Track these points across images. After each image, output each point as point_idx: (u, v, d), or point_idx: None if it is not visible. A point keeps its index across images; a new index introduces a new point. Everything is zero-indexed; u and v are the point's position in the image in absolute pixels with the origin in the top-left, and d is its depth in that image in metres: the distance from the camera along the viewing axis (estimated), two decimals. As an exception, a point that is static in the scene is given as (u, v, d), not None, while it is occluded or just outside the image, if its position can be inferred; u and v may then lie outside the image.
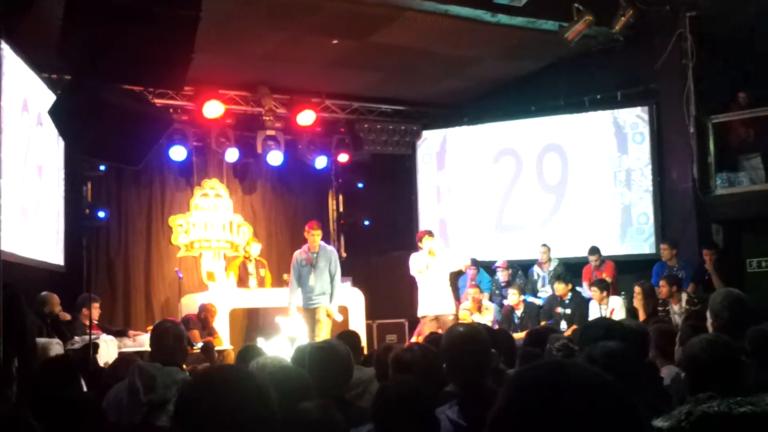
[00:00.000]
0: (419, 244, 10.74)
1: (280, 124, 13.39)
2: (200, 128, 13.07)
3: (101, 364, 8.81)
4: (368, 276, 13.50)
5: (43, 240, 10.39)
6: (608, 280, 11.26)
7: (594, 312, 10.71)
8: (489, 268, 12.83)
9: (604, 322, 4.51)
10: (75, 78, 6.73)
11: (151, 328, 7.77)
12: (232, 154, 13.26)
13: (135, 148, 6.81)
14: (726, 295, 4.62)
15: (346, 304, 11.92)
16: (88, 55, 6.35)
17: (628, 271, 11.98)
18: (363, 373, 5.02)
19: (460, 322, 10.33)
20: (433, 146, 14.41)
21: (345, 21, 10.77)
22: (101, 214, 12.32)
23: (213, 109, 12.60)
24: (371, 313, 12.83)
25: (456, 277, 12.94)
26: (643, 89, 12.49)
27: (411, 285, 14.05)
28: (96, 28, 6.25)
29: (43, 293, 9.83)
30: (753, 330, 4.28)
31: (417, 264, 10.70)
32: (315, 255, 10.62)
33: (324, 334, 10.21)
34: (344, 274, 12.84)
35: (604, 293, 10.73)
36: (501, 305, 12.07)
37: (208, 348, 9.97)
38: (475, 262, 12.71)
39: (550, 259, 12.26)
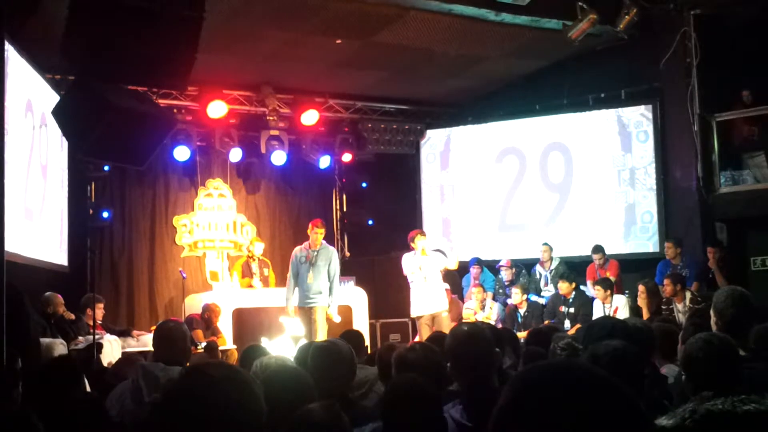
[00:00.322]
0: (411, 244, 10.65)
1: (283, 124, 13.39)
2: (204, 128, 13.08)
3: (105, 364, 8.84)
4: (372, 275, 13.49)
5: (47, 240, 10.40)
6: (612, 278, 11.24)
7: (598, 311, 10.71)
8: (493, 267, 12.83)
9: (608, 321, 4.50)
10: (79, 79, 6.75)
11: (154, 328, 7.79)
12: (235, 154, 13.27)
13: (139, 148, 6.82)
14: (730, 293, 4.61)
15: (350, 303, 11.93)
16: (92, 56, 6.36)
17: (632, 270, 11.97)
18: (367, 373, 5.02)
19: (463, 321, 10.33)
20: (437, 146, 14.41)
21: (348, 21, 10.76)
22: (105, 215, 12.35)
23: (217, 109, 12.61)
24: (375, 313, 12.83)
25: (459, 276, 12.96)
26: (647, 88, 12.47)
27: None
28: (100, 29, 6.26)
29: (47, 293, 9.85)
30: (757, 328, 4.28)
31: (409, 265, 10.64)
32: (315, 253, 10.52)
33: (321, 335, 10.15)
34: (347, 273, 12.87)
35: (608, 292, 10.72)
36: (504, 304, 12.07)
37: (211, 348, 9.99)
38: (479, 262, 12.71)
39: (551, 258, 12.25)
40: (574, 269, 12.06)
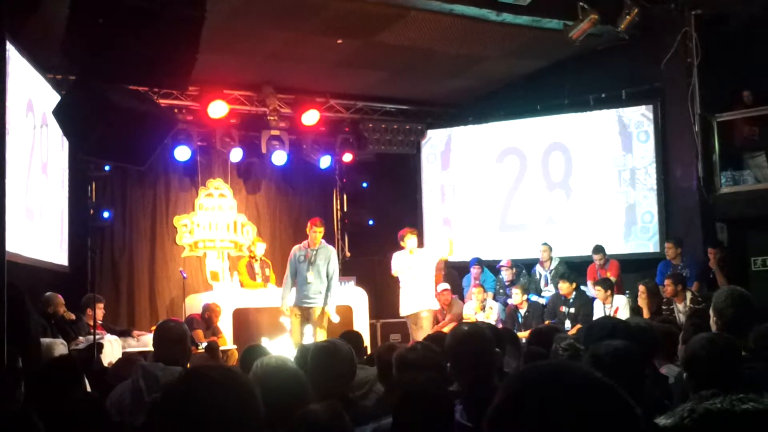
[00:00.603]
0: (401, 243, 10.60)
1: (284, 124, 13.39)
2: (205, 128, 13.08)
3: (106, 364, 8.84)
4: (372, 275, 13.49)
5: (47, 240, 10.41)
6: (612, 279, 11.24)
7: (598, 311, 10.70)
8: (493, 267, 12.83)
9: (609, 321, 4.50)
10: (80, 78, 6.75)
11: (155, 328, 7.79)
12: (236, 154, 13.27)
13: (140, 148, 6.82)
14: (730, 292, 4.60)
15: (350, 303, 11.94)
16: (93, 56, 6.36)
17: (632, 270, 11.96)
18: (367, 373, 5.02)
19: (464, 321, 10.32)
20: (438, 146, 14.41)
21: (349, 20, 10.76)
22: (106, 215, 12.36)
23: (217, 109, 12.61)
24: (375, 313, 12.84)
25: (460, 276, 12.96)
26: (648, 88, 12.47)
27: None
28: (100, 29, 6.26)
29: (48, 293, 9.86)
30: (757, 329, 4.27)
31: (399, 264, 10.61)
32: (314, 252, 10.41)
33: (321, 335, 10.10)
34: (348, 273, 12.88)
35: (608, 292, 10.71)
36: (505, 304, 12.07)
37: (212, 348, 9.99)
38: (480, 262, 12.71)
39: (551, 258, 12.25)
40: (574, 269, 12.05)
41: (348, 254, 14.81)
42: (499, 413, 1.29)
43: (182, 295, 12.28)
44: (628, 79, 12.64)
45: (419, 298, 10.56)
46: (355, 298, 12.30)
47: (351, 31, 11.13)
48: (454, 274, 13.00)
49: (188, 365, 4.66)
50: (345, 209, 15.04)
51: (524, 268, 12.71)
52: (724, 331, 4.27)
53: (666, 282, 10.13)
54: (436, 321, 12.11)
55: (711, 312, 4.56)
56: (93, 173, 12.35)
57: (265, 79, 12.95)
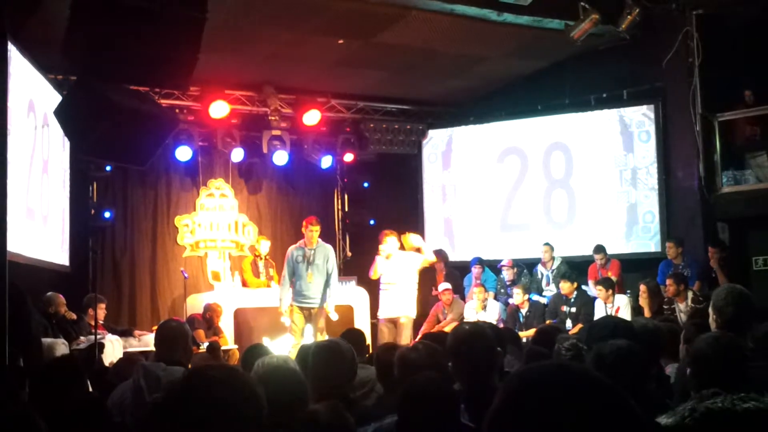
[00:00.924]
0: (381, 245, 10.41)
1: (285, 124, 13.39)
2: (206, 128, 13.09)
3: (107, 364, 8.84)
4: (373, 275, 13.47)
5: (48, 240, 10.41)
6: (614, 278, 11.24)
7: (600, 311, 10.70)
8: (494, 267, 12.83)
9: (611, 321, 4.50)
10: (81, 79, 6.75)
11: (156, 327, 7.79)
12: (237, 154, 13.27)
13: (141, 148, 6.83)
14: (729, 290, 4.60)
15: (351, 303, 11.93)
16: (94, 56, 6.36)
17: (633, 270, 11.96)
18: (368, 372, 5.00)
19: (465, 321, 10.32)
20: (439, 145, 14.41)
21: (350, 21, 10.77)
22: (107, 215, 12.36)
23: (219, 109, 12.61)
24: (376, 313, 12.80)
25: (461, 276, 12.96)
26: (649, 88, 12.46)
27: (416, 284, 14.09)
28: (102, 29, 6.26)
29: (49, 293, 9.86)
30: (758, 328, 4.27)
31: (380, 268, 10.41)
32: (312, 251, 10.30)
33: (321, 334, 10.05)
34: (349, 273, 12.88)
35: (610, 291, 10.72)
36: (506, 304, 12.06)
37: (213, 348, 9.99)
38: (481, 261, 12.71)
39: (552, 258, 12.24)
40: (575, 269, 12.05)
41: (349, 254, 14.80)
42: (498, 414, 1.29)
43: (183, 295, 12.27)
44: (630, 78, 12.63)
45: (395, 304, 10.37)
46: (356, 297, 12.30)
47: (352, 31, 11.13)
48: (456, 273, 13.00)
49: (189, 365, 4.66)
50: (346, 209, 15.04)
51: (525, 267, 12.71)
52: (723, 329, 4.27)
53: (668, 282, 10.14)
54: (437, 321, 12.12)
55: (710, 310, 4.55)
56: (94, 173, 12.35)
57: (266, 79, 12.95)
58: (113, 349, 9.80)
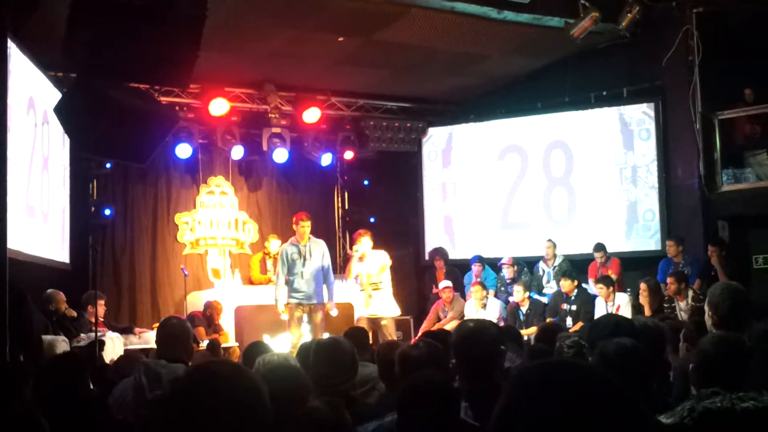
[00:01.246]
0: (355, 246, 10.39)
1: (285, 122, 13.39)
2: (206, 126, 13.09)
3: (107, 361, 8.84)
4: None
5: (49, 238, 10.41)
6: (614, 276, 11.25)
7: (600, 309, 10.70)
8: (494, 265, 12.83)
9: (612, 319, 4.51)
10: (81, 76, 6.75)
11: (157, 325, 7.79)
12: (237, 152, 13.27)
13: (141, 145, 6.82)
14: (725, 287, 4.61)
15: (351, 301, 11.92)
16: (94, 54, 6.36)
17: (633, 268, 11.97)
18: (370, 370, 5.01)
19: (467, 318, 10.32)
20: (439, 143, 14.41)
21: (351, 18, 10.76)
22: (107, 212, 12.37)
23: (219, 106, 12.61)
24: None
25: (462, 274, 12.97)
26: (649, 86, 12.47)
27: (416, 282, 14.11)
28: (102, 27, 6.26)
29: (49, 291, 9.85)
30: (756, 327, 4.27)
31: (355, 268, 10.41)
32: (306, 247, 10.19)
33: (322, 331, 10.00)
34: (350, 271, 12.85)
35: (611, 289, 10.72)
36: (506, 302, 12.06)
37: (214, 345, 10.00)
38: (481, 259, 12.71)
39: (555, 255, 12.23)
40: (576, 267, 12.05)
41: (349, 252, 14.79)
42: (504, 412, 1.29)
43: (184, 293, 12.28)
44: (630, 76, 12.64)
45: (377, 304, 10.34)
46: (357, 295, 12.28)
47: (352, 28, 11.13)
48: (456, 271, 13.02)
49: (190, 363, 4.67)
50: (346, 207, 15.04)
51: (525, 265, 12.71)
52: (718, 326, 4.28)
53: (669, 280, 10.14)
54: (438, 318, 12.12)
55: (706, 307, 4.56)
56: (94, 171, 12.36)
57: (266, 76, 12.95)
58: (114, 347, 9.80)
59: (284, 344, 9.82)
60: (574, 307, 11.17)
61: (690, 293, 9.99)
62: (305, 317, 10.16)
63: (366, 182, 14.98)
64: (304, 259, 10.17)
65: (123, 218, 12.97)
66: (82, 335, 9.87)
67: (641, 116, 12.59)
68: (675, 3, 11.52)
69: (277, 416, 2.82)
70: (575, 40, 11.23)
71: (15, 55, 8.47)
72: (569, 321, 10.95)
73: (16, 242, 7.92)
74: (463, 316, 11.54)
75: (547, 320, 11.07)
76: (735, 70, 11.36)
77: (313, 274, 10.15)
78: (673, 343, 5.25)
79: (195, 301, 11.82)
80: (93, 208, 12.24)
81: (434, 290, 12.71)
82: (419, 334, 11.35)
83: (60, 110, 6.59)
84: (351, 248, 10.31)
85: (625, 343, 3.46)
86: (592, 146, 13.03)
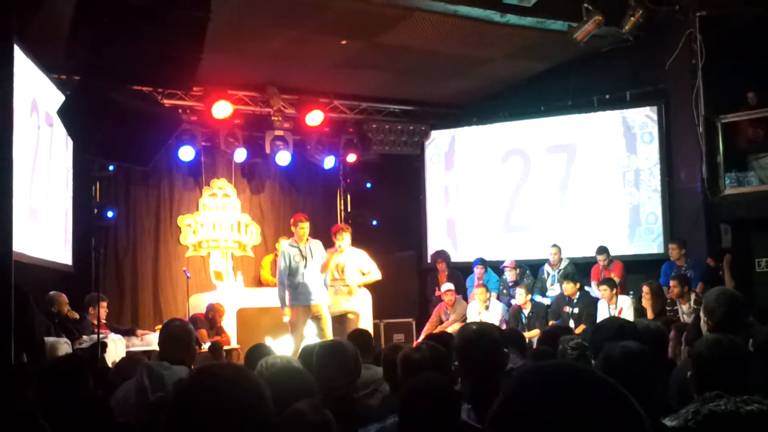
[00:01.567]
0: (333, 238, 10.23)
1: (288, 125, 13.40)
2: (209, 128, 13.10)
3: (109, 363, 8.83)
4: (376, 276, 13.47)
5: (51, 240, 10.42)
6: (616, 279, 11.24)
7: (603, 311, 10.70)
8: (497, 268, 12.82)
9: (617, 322, 4.50)
10: (84, 78, 6.76)
11: (159, 327, 7.78)
12: (240, 154, 13.28)
13: (144, 148, 6.83)
14: (720, 292, 4.61)
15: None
16: (97, 56, 6.37)
17: (636, 271, 11.96)
18: (373, 372, 5.01)
19: (470, 321, 10.30)
20: (442, 146, 14.41)
21: (354, 21, 10.77)
22: (110, 214, 12.35)
23: (222, 109, 12.62)
24: (378, 313, 12.81)
25: (464, 276, 12.96)
26: (653, 89, 12.47)
27: (419, 284, 14.09)
28: (105, 29, 6.27)
29: (51, 293, 9.85)
30: (760, 333, 4.27)
31: (331, 261, 10.23)
32: (306, 248, 10.18)
33: (327, 331, 10.00)
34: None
35: (614, 291, 10.72)
36: (509, 305, 12.05)
37: (216, 348, 9.99)
38: (483, 262, 12.70)
39: (561, 260, 12.22)
40: (578, 270, 12.05)
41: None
42: (499, 414, 1.29)
43: (186, 295, 12.27)
44: (633, 80, 12.64)
45: (345, 300, 10.24)
46: (359, 298, 12.27)
47: (355, 31, 11.13)
48: (458, 274, 13.01)
49: (192, 365, 4.67)
50: (349, 210, 15.04)
51: (528, 268, 12.70)
52: (714, 332, 4.27)
53: (672, 283, 10.13)
54: (440, 321, 12.12)
55: (702, 313, 4.55)
56: (97, 173, 12.35)
57: (269, 79, 12.96)
58: (116, 349, 9.79)
59: (286, 347, 9.82)
60: (576, 310, 11.17)
61: (692, 296, 9.97)
62: (310, 321, 10.14)
63: (368, 185, 14.98)
64: (306, 260, 10.17)
65: (125, 220, 12.97)
66: (85, 337, 9.87)
67: (644, 119, 12.59)
68: (678, 6, 11.52)
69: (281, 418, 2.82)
70: (578, 44, 11.23)
71: (18, 56, 8.45)
72: (571, 324, 10.94)
73: (19, 244, 7.90)
74: (466, 318, 11.54)
75: (550, 323, 11.08)
76: (738, 73, 11.35)
77: (314, 274, 10.17)
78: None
79: (197, 304, 11.82)
80: (96, 210, 12.24)
81: (436, 293, 12.71)
82: (421, 336, 11.35)
83: (63, 112, 6.61)
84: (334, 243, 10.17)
85: (631, 347, 3.46)
86: (595, 149, 13.02)
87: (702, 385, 3.48)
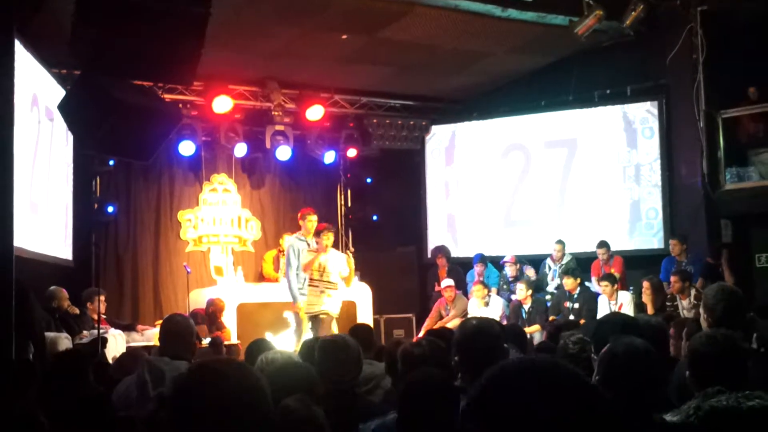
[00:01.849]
0: (316, 238, 9.85)
1: (288, 119, 13.39)
2: (209, 123, 13.08)
3: (110, 358, 8.84)
4: (376, 271, 13.49)
5: (51, 235, 10.42)
6: (616, 275, 11.24)
7: (603, 307, 10.70)
8: (497, 263, 12.81)
9: (620, 318, 4.50)
10: (85, 73, 6.75)
11: (159, 322, 7.78)
12: (240, 149, 13.27)
13: (144, 143, 6.83)
14: (719, 289, 4.61)
15: (354, 299, 11.92)
16: (98, 51, 6.37)
17: (636, 266, 11.96)
18: (374, 368, 5.01)
19: (471, 316, 10.30)
20: (442, 141, 14.41)
21: (354, 16, 10.76)
22: (110, 209, 12.37)
23: (222, 104, 12.61)
24: (378, 308, 12.83)
25: (464, 272, 12.96)
26: (653, 84, 12.46)
27: (419, 280, 14.09)
28: (106, 24, 6.26)
29: (52, 288, 9.85)
30: (764, 326, 4.27)
31: (309, 258, 9.85)
32: (313, 241, 10.00)
33: (334, 326, 9.94)
34: (352, 268, 12.84)
35: (615, 287, 10.73)
36: (509, 300, 12.04)
37: (216, 343, 9.99)
38: (483, 258, 12.69)
39: (564, 255, 12.18)
40: (578, 265, 12.04)
41: (352, 250, 14.79)
42: (470, 408, 1.30)
43: (186, 290, 12.26)
44: (633, 75, 12.63)
45: (322, 300, 9.81)
46: (359, 293, 12.29)
47: (356, 26, 11.12)
48: (459, 270, 13.00)
49: (192, 360, 4.67)
50: (349, 205, 15.03)
51: (527, 262, 12.69)
52: (713, 328, 4.27)
53: (672, 279, 10.14)
54: (440, 317, 12.12)
55: (701, 309, 4.55)
56: (97, 168, 12.34)
57: (269, 74, 12.95)
58: (116, 344, 9.79)
59: (287, 342, 9.82)
60: (576, 306, 11.16)
61: (693, 292, 9.98)
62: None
63: (369, 180, 14.97)
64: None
65: (126, 215, 12.96)
66: (85, 332, 9.88)
67: (645, 114, 12.59)
68: (679, 1, 11.52)
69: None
70: (579, 39, 11.22)
71: (19, 51, 8.43)
72: (571, 319, 10.94)
73: (19, 239, 7.89)
74: (466, 314, 11.53)
75: (550, 318, 11.09)
76: (739, 68, 11.35)
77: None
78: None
79: (197, 299, 11.81)
80: (96, 205, 12.25)
81: (436, 288, 12.70)
82: (422, 332, 11.36)
83: (64, 107, 6.60)
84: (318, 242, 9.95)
85: (635, 343, 3.45)
86: (595, 145, 13.02)
87: (699, 380, 3.49)
